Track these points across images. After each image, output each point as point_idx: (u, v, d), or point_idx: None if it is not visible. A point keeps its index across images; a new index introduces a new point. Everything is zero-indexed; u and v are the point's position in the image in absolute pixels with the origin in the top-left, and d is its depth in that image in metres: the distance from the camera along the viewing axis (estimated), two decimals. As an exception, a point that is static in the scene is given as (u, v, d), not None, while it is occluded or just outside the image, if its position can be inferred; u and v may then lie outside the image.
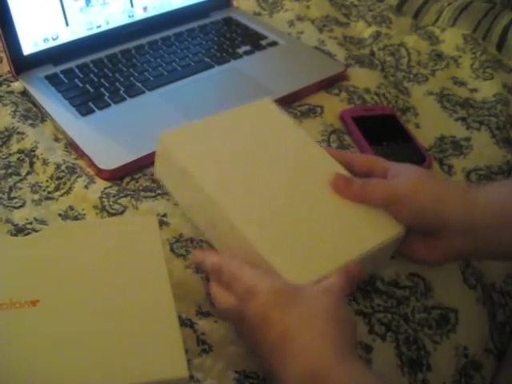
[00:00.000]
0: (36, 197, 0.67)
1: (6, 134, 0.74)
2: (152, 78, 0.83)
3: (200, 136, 0.62)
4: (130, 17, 0.89)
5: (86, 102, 0.77)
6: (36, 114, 0.78)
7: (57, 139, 0.74)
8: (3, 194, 0.66)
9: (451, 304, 0.63)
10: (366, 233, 0.57)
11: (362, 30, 1.05)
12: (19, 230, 0.62)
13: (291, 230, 0.56)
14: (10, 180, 0.68)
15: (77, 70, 0.83)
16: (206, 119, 0.64)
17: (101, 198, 0.66)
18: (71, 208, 0.66)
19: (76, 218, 0.65)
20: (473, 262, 0.67)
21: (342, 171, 0.62)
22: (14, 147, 0.73)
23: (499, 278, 0.68)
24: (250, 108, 0.68)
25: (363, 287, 0.61)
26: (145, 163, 0.70)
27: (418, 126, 0.84)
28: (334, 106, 0.83)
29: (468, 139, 0.82)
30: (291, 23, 1.02)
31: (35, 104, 0.79)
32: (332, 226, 0.57)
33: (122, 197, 0.67)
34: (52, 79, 0.81)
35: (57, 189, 0.68)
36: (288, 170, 0.62)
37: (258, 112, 0.68)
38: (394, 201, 0.57)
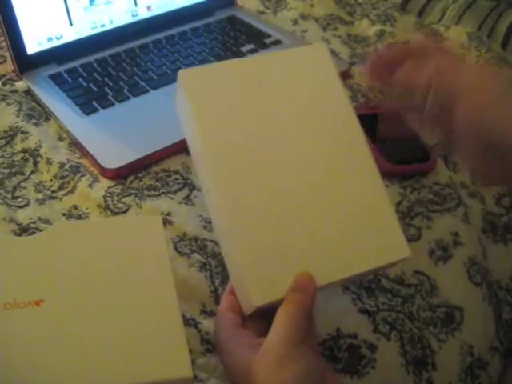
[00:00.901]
0: (40, 196, 0.67)
1: (10, 133, 0.74)
2: (156, 77, 0.83)
3: (225, 80, 0.53)
4: (133, 16, 0.89)
5: (89, 101, 0.78)
6: (40, 114, 0.78)
7: (61, 138, 0.75)
8: (7, 193, 0.66)
9: (456, 302, 0.62)
10: (364, 252, 0.49)
11: (366, 28, 1.04)
12: (23, 230, 0.62)
13: (281, 229, 0.48)
14: (14, 179, 0.68)
15: (81, 69, 0.83)
16: (241, 59, 0.57)
17: (105, 196, 0.66)
18: (75, 207, 0.66)
19: (80, 217, 0.65)
20: (478, 259, 0.66)
21: (373, 167, 0.53)
22: (18, 146, 0.73)
23: (505, 276, 0.68)
24: (297, 53, 0.57)
25: (368, 285, 0.61)
26: (149, 162, 0.70)
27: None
28: (338, 104, 0.83)
29: (473, 137, 0.81)
30: (295, 22, 1.02)
31: (39, 103, 0.79)
32: (331, 237, 0.49)
33: (125, 196, 0.67)
34: (56, 78, 0.81)
35: (61, 188, 0.68)
36: (306, 151, 0.52)
37: (304, 60, 0.56)
38: (453, 90, 0.47)
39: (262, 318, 0.49)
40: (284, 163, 0.51)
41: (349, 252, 0.49)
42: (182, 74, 0.53)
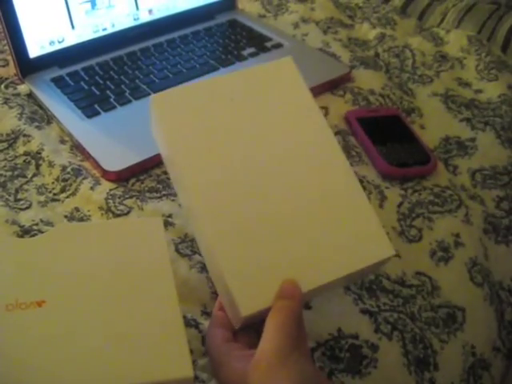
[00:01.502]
0: (42, 198, 0.67)
1: (13, 136, 0.74)
2: (157, 81, 0.83)
3: (195, 101, 0.54)
4: (135, 19, 0.90)
5: (91, 104, 0.78)
6: (42, 117, 0.78)
7: (63, 141, 0.75)
8: (10, 195, 0.67)
9: (458, 302, 0.62)
10: (348, 254, 0.49)
11: (367, 31, 1.05)
12: (25, 232, 0.62)
13: (263, 238, 0.48)
14: (16, 182, 0.69)
15: (82, 73, 0.84)
16: (209, 79, 0.57)
17: (106, 199, 0.66)
18: (77, 209, 0.66)
19: (82, 220, 0.65)
20: (479, 259, 0.66)
21: (349, 172, 0.53)
22: (20, 149, 0.73)
23: (507, 276, 0.68)
24: (264, 69, 0.57)
25: (369, 286, 0.61)
26: (150, 165, 0.71)
27: (422, 126, 0.84)
28: (338, 107, 0.83)
29: (473, 140, 0.82)
30: (296, 25, 1.02)
31: (41, 106, 0.80)
32: (314, 242, 0.49)
33: (127, 198, 0.67)
34: (58, 82, 0.82)
35: (63, 190, 0.68)
36: (282, 161, 0.52)
37: (272, 76, 0.57)
38: None
39: (252, 331, 0.49)
40: (261, 175, 0.51)
41: (332, 256, 0.49)
42: (153, 99, 0.54)
